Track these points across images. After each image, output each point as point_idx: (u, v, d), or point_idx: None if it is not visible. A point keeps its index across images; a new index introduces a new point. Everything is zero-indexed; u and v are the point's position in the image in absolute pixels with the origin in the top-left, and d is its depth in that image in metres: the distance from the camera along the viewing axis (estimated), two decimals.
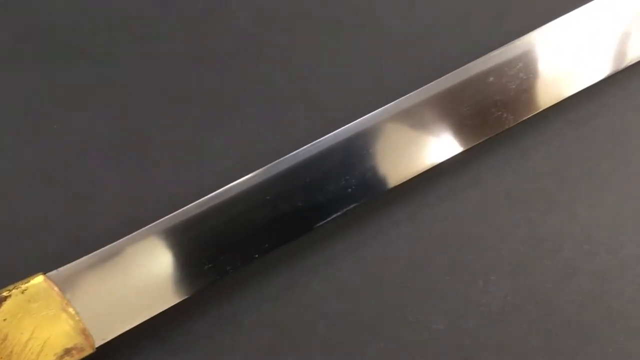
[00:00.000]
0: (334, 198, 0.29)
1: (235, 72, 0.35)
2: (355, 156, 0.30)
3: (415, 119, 0.31)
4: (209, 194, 0.29)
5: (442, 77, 0.31)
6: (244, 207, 0.29)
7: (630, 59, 0.33)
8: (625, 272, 0.31)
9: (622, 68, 0.33)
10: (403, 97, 0.31)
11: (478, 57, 0.32)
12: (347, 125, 0.30)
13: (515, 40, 0.32)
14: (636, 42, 0.33)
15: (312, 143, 0.30)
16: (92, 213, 0.32)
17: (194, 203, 0.28)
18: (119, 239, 0.28)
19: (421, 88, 0.31)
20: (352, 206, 0.30)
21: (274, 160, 0.30)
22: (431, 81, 0.31)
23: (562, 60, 0.32)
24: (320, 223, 0.29)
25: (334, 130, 0.30)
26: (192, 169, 0.33)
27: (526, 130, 0.33)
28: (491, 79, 0.31)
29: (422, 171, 0.31)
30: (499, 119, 0.31)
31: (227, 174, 0.30)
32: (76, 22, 0.36)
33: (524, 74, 0.31)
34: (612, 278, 0.31)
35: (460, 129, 0.31)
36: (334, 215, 0.29)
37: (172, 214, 0.28)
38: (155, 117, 0.34)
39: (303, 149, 0.30)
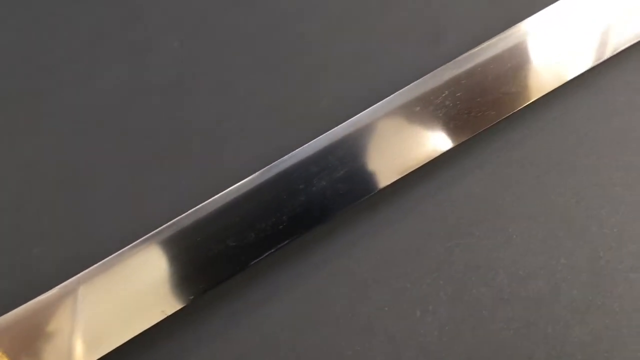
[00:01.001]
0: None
1: (173, 106, 0.34)
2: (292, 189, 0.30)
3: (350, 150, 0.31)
4: (153, 230, 0.29)
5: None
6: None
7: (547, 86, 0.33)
8: (560, 297, 0.30)
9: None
10: (336, 128, 0.31)
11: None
12: (275, 162, 0.30)
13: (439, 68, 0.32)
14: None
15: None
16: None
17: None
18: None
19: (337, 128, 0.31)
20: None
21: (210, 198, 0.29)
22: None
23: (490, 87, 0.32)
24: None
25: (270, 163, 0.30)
26: (136, 205, 0.32)
27: (459, 155, 0.33)
28: (417, 108, 0.31)
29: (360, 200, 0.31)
30: (428, 148, 0.31)
31: (171, 208, 0.30)
32: (13, 62, 0.36)
33: (450, 101, 0.31)
34: (547, 303, 0.30)
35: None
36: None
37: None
38: (95, 154, 0.33)
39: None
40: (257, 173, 0.30)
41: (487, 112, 0.32)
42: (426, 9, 0.36)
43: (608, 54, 0.33)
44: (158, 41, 0.36)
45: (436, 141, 0.31)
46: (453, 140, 0.31)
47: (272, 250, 0.29)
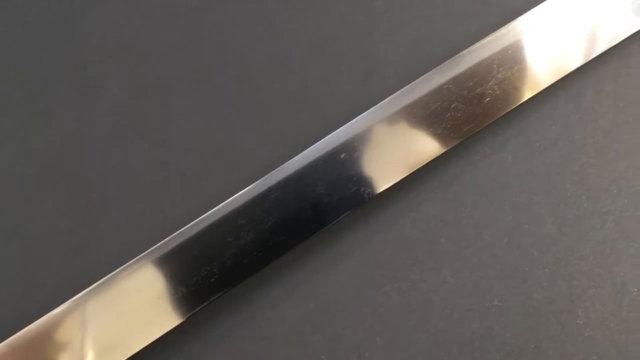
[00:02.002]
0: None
1: (117, 151, 0.34)
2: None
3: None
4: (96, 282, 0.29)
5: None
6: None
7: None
8: (494, 339, 0.30)
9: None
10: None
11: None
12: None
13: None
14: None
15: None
16: None
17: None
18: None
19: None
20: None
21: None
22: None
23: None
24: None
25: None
26: (78, 254, 0.32)
27: (393, 199, 0.33)
28: (342, 155, 0.31)
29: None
30: (356, 193, 0.31)
31: (115, 257, 0.30)
32: None
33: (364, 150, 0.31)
34: (480, 346, 0.30)
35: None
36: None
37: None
38: (42, 202, 0.33)
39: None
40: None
41: (408, 157, 0.32)
42: (359, 46, 0.36)
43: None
44: (101, 88, 0.35)
45: (368, 184, 0.31)
46: (385, 183, 0.31)
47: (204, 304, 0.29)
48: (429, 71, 0.32)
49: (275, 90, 0.35)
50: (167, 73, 0.36)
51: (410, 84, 0.32)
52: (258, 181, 0.31)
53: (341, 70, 0.35)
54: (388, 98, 0.32)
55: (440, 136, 0.32)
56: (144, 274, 0.29)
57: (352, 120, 0.31)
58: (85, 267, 0.32)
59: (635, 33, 0.33)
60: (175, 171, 0.34)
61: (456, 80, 0.32)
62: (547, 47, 0.33)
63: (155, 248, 0.29)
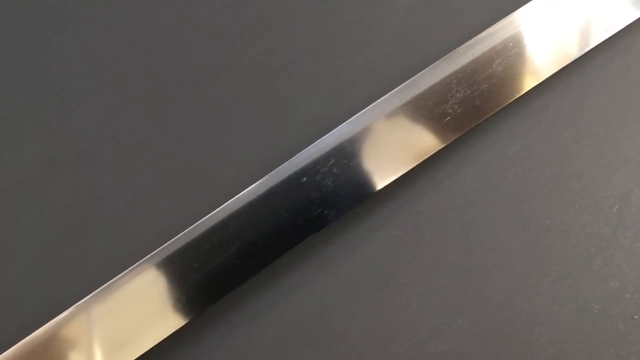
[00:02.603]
0: None
1: (83, 179, 0.34)
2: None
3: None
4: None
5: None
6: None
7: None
8: (459, 359, 0.30)
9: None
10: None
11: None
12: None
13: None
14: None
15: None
16: None
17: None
18: None
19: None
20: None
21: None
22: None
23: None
24: None
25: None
26: (50, 279, 0.32)
27: (357, 219, 0.33)
28: (304, 179, 0.31)
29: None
30: (320, 216, 0.31)
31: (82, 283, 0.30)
32: None
33: (337, 169, 0.31)
34: None
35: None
36: None
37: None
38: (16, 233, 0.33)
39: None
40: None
41: (369, 178, 0.32)
42: (327, 63, 0.36)
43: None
44: (69, 114, 0.35)
45: (330, 207, 0.31)
46: (349, 205, 0.31)
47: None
48: (396, 87, 0.33)
49: (242, 112, 0.35)
50: (134, 98, 0.35)
51: (370, 106, 0.32)
52: (221, 207, 0.31)
53: (309, 88, 0.35)
54: (351, 118, 0.32)
55: (400, 159, 0.32)
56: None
57: (312, 144, 0.31)
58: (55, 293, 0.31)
59: (585, 54, 0.34)
60: (142, 195, 0.33)
61: (415, 100, 0.32)
62: (507, 64, 0.33)
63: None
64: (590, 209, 0.32)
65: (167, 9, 0.37)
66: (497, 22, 0.33)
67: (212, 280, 0.30)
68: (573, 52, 0.34)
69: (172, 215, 0.33)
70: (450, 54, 0.32)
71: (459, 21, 0.36)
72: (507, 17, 0.34)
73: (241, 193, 0.31)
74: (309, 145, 0.31)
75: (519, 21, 0.33)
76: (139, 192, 0.33)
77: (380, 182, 0.32)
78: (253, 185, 0.31)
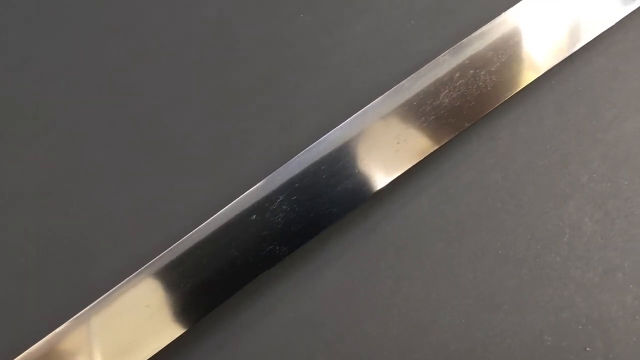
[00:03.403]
0: None
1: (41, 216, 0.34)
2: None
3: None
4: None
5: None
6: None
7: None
8: None
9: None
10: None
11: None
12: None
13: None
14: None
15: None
16: None
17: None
18: None
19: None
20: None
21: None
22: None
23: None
24: None
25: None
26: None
27: (312, 252, 0.32)
28: (253, 216, 0.31)
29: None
30: (272, 252, 0.31)
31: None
32: None
33: (287, 205, 0.31)
34: None
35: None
36: None
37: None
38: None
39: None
40: None
41: (328, 210, 0.31)
42: (277, 96, 0.36)
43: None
44: (26, 148, 0.35)
45: (283, 242, 0.31)
46: (301, 239, 0.31)
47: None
48: (348, 118, 0.32)
49: (192, 147, 0.34)
50: (82, 136, 0.35)
51: (320, 139, 0.32)
52: (172, 247, 0.30)
53: (259, 122, 0.35)
54: (299, 155, 0.32)
55: (351, 191, 0.31)
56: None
57: (262, 181, 0.31)
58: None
59: (536, 80, 0.33)
60: (94, 234, 0.33)
61: (363, 135, 0.31)
62: (460, 89, 0.32)
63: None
64: (542, 239, 0.31)
65: (105, 46, 0.37)
66: (447, 51, 0.33)
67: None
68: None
69: (119, 256, 0.33)
70: (396, 87, 0.32)
71: (413, 48, 0.35)
72: (458, 43, 0.33)
73: (190, 233, 0.31)
74: (258, 182, 0.31)
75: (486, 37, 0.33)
76: (91, 231, 0.33)
77: (331, 218, 0.31)
78: (202, 225, 0.31)
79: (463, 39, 0.33)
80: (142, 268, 0.30)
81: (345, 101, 0.35)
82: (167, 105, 0.35)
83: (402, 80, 0.32)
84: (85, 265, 0.33)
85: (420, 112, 0.32)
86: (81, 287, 0.32)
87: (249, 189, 0.31)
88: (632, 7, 0.33)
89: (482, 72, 0.32)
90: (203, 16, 0.37)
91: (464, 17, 0.35)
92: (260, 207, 0.31)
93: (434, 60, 0.32)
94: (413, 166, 0.32)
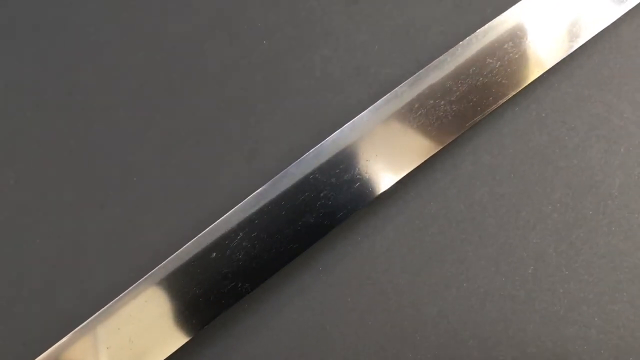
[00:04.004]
0: None
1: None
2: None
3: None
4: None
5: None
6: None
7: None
8: None
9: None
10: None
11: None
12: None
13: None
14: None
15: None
16: None
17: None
18: None
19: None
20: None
21: None
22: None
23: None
24: None
25: None
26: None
27: (276, 286, 0.32)
28: (213, 254, 0.31)
29: None
30: (234, 290, 0.31)
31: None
32: None
33: (247, 242, 0.31)
34: None
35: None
36: None
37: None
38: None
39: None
40: None
41: (289, 246, 0.31)
42: (241, 127, 0.36)
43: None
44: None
45: (245, 279, 0.31)
46: (264, 274, 0.31)
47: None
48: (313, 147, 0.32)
49: (157, 180, 0.34)
50: (52, 167, 0.35)
51: (279, 175, 0.31)
52: (136, 283, 0.30)
53: (224, 153, 0.35)
54: (258, 190, 0.31)
55: (312, 225, 0.31)
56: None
57: (221, 219, 0.31)
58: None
59: (496, 109, 0.32)
60: (64, 265, 0.33)
61: (322, 169, 0.31)
62: (420, 120, 0.32)
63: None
64: (506, 271, 0.31)
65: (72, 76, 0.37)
66: (405, 82, 0.32)
67: None
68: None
69: (92, 290, 0.32)
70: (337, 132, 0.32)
71: (377, 73, 0.35)
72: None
73: (151, 272, 0.30)
74: (222, 216, 0.31)
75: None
76: (60, 263, 0.33)
77: (293, 253, 0.31)
78: (162, 264, 0.30)
79: (427, 64, 0.32)
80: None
81: (311, 128, 0.34)
82: (123, 134, 0.35)
83: (367, 106, 0.32)
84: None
85: (379, 145, 0.31)
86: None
87: (211, 224, 0.31)
88: (597, 29, 0.33)
89: (442, 102, 0.31)
90: (165, 43, 0.37)
91: (427, 44, 0.35)
92: (220, 244, 0.30)
93: (392, 92, 0.31)
94: (376, 197, 0.31)
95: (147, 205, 0.34)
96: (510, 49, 0.31)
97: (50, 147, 0.35)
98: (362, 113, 0.31)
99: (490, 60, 0.31)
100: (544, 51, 0.32)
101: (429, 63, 0.32)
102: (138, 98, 0.35)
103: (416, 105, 0.31)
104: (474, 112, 0.32)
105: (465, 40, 0.31)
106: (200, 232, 0.30)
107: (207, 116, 0.35)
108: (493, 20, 0.31)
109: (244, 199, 0.31)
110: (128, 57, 0.36)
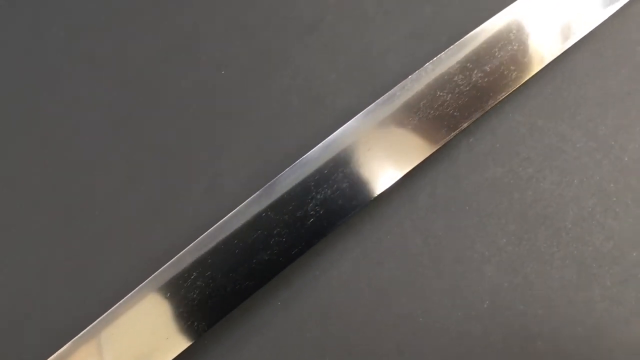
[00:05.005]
0: None
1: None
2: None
3: None
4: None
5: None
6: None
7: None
8: None
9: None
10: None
11: None
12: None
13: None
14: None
15: None
16: None
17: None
18: None
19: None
20: None
21: None
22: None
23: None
24: None
25: None
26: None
27: (235, 323, 0.32)
28: (168, 294, 0.30)
29: None
30: (190, 328, 0.30)
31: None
32: None
33: (201, 281, 0.30)
34: None
35: None
36: None
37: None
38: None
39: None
40: None
41: (245, 283, 0.31)
42: (201, 158, 0.35)
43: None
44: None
45: (202, 317, 0.30)
46: (221, 313, 0.30)
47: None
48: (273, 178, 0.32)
49: (113, 216, 0.34)
50: (9, 198, 0.35)
51: (231, 213, 0.31)
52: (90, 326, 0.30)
53: (182, 186, 0.34)
54: (214, 227, 0.31)
55: (267, 262, 0.31)
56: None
57: (174, 259, 0.30)
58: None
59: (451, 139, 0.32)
60: (30, 298, 0.33)
61: (274, 206, 0.31)
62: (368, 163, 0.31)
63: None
64: (462, 306, 0.30)
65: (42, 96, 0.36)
66: (357, 116, 0.32)
67: None
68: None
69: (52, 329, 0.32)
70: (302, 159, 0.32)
71: (334, 103, 0.35)
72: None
73: (106, 313, 0.30)
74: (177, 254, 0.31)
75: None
76: (26, 295, 0.33)
77: (248, 290, 0.31)
78: (117, 305, 0.30)
79: (383, 94, 0.32)
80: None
81: (269, 160, 0.34)
82: (80, 165, 0.35)
83: (324, 137, 0.32)
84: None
85: (332, 180, 0.31)
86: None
87: (165, 264, 0.31)
88: (548, 60, 0.33)
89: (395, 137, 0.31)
90: (123, 73, 0.36)
91: (383, 72, 0.35)
92: (174, 284, 0.30)
93: (345, 126, 0.31)
94: (331, 232, 0.31)
95: (103, 243, 0.33)
96: (460, 81, 0.31)
97: (10, 177, 0.35)
98: (314, 148, 0.31)
99: (441, 93, 0.31)
100: (494, 82, 0.32)
101: (386, 92, 0.32)
102: (96, 130, 0.35)
103: (368, 141, 0.31)
104: (429, 145, 0.32)
105: (414, 74, 0.31)
106: (155, 271, 0.30)
107: (165, 148, 0.35)
108: (442, 53, 0.31)
109: (205, 232, 0.31)
110: (86, 87, 0.36)
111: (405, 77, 0.32)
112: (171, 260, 0.30)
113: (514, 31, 0.32)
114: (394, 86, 0.32)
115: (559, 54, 0.32)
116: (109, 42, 0.37)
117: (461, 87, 0.31)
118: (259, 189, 0.31)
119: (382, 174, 0.31)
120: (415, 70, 0.32)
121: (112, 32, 0.38)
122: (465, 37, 0.32)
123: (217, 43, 0.37)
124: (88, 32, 0.37)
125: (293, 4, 0.37)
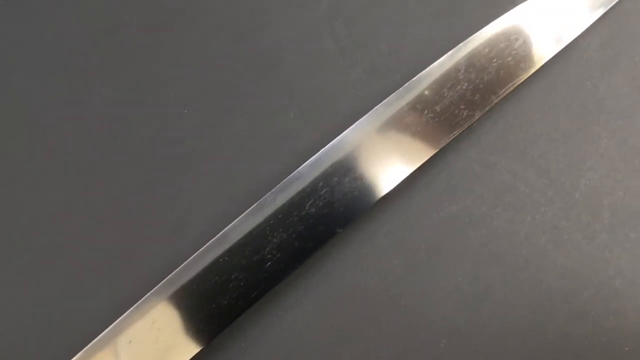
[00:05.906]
0: None
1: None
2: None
3: None
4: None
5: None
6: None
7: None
8: None
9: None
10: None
11: None
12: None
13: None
14: None
15: None
16: None
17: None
18: None
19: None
20: None
21: None
22: None
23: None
24: None
25: None
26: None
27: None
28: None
29: None
30: None
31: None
32: None
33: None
34: None
35: None
36: None
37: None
38: None
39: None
40: None
41: (205, 326, 0.31)
42: (165, 197, 0.35)
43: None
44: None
45: (176, 353, 0.31)
46: (191, 351, 0.30)
47: None
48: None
49: (78, 260, 0.34)
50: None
51: (187, 261, 0.31)
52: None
53: (146, 229, 0.34)
54: (172, 274, 0.31)
55: (225, 307, 0.31)
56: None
57: (132, 308, 0.30)
58: None
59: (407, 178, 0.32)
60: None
61: (231, 251, 0.31)
62: (326, 198, 0.32)
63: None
64: (419, 346, 0.30)
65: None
66: (306, 163, 0.32)
67: None
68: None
69: None
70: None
71: (292, 143, 0.35)
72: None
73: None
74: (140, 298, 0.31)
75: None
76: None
77: (211, 333, 0.31)
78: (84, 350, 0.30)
79: (340, 132, 0.32)
80: None
81: (231, 200, 0.34)
82: (45, 209, 0.35)
83: (283, 177, 0.32)
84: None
85: (286, 224, 0.31)
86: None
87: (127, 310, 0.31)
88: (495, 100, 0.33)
89: (347, 179, 0.31)
90: (86, 114, 0.36)
91: (341, 110, 0.35)
92: (134, 332, 0.30)
93: (295, 172, 0.31)
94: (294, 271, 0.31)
95: (67, 288, 0.33)
96: (411, 122, 0.31)
97: None
98: (266, 195, 0.31)
99: (393, 135, 0.31)
100: (445, 122, 0.32)
101: (342, 131, 0.32)
102: (60, 172, 0.35)
103: (320, 184, 0.31)
104: (381, 188, 0.32)
105: (365, 116, 0.31)
106: (116, 319, 0.31)
107: (128, 190, 0.35)
108: (391, 95, 0.32)
109: (169, 274, 0.31)
110: (49, 128, 0.36)
111: (363, 114, 0.32)
112: (130, 309, 0.30)
113: (462, 70, 0.32)
114: (351, 124, 0.33)
115: (510, 90, 0.32)
116: (72, 82, 0.37)
117: (412, 128, 0.32)
118: (223, 229, 0.31)
119: (338, 216, 0.31)
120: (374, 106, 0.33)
121: (70, 73, 0.38)
122: (414, 78, 0.32)
123: (178, 82, 0.37)
124: (47, 78, 0.38)
125: (253, 44, 0.37)
